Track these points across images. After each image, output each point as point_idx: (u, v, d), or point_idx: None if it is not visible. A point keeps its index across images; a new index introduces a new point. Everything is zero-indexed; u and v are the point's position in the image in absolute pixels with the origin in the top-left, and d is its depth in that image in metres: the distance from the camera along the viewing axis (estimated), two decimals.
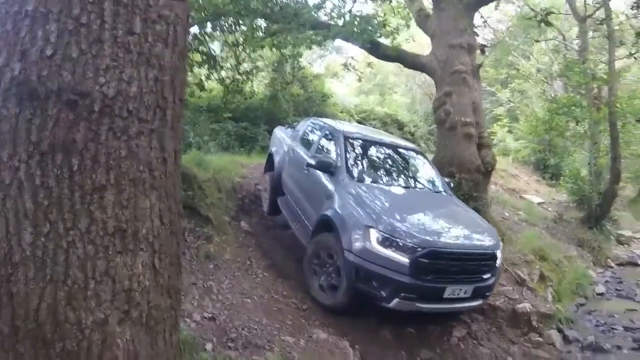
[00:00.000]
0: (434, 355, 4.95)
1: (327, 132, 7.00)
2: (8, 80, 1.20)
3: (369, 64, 12.26)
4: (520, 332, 5.78)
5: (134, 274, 1.41)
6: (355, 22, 9.84)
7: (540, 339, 5.74)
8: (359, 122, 18.38)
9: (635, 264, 10.74)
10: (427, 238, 4.91)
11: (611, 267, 10.51)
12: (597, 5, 11.77)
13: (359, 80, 14.63)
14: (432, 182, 6.83)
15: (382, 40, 10.47)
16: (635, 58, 9.16)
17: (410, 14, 11.12)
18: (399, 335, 5.07)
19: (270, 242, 7.02)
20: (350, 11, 10.68)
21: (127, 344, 1.41)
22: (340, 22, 9.93)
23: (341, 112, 17.76)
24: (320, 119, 8.42)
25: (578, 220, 12.11)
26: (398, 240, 4.80)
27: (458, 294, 4.98)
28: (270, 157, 8.36)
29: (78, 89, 1.24)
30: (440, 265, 4.87)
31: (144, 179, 1.41)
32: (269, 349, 3.54)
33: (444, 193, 6.65)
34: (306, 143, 7.37)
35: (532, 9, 11.04)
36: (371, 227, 4.90)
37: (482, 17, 14.66)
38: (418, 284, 4.74)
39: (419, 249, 4.75)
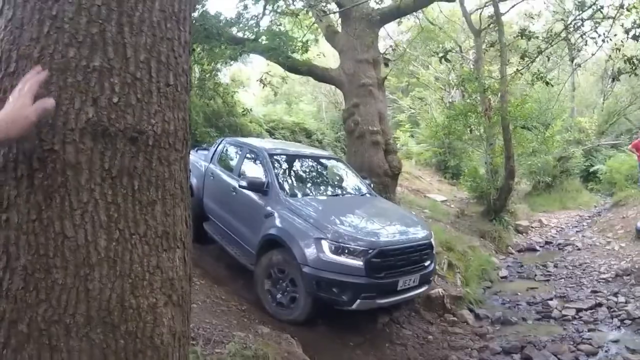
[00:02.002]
0: (364, 340, 5.44)
1: (249, 152, 6.98)
2: (84, 122, 1.55)
3: (284, 79, 12.77)
4: (436, 314, 6.43)
5: (174, 266, 1.80)
6: (268, 38, 10.34)
7: (455, 318, 6.43)
8: (268, 132, 18.69)
9: (533, 249, 11.74)
10: (374, 239, 5.30)
11: (512, 253, 11.42)
12: (491, 21, 12.95)
13: (275, 95, 14.97)
14: (357, 187, 7.20)
15: (295, 55, 11.03)
16: (521, 74, 10.42)
17: (320, 30, 11.79)
18: (332, 326, 5.50)
19: (197, 253, 7.24)
20: (258, 26, 11.10)
21: (169, 321, 1.79)
22: (257, 37, 10.34)
23: (250, 122, 17.92)
24: (235, 138, 8.42)
25: (479, 214, 13.06)
26: (349, 246, 5.12)
27: (408, 284, 5.46)
28: None
29: (137, 128, 1.63)
30: (390, 261, 5.27)
31: (178, 194, 1.82)
32: (227, 342, 3.92)
33: (368, 195, 7.03)
34: (226, 164, 7.32)
35: (434, 52, 12.03)
36: (322, 238, 5.14)
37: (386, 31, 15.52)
38: (375, 282, 5.12)
39: (370, 251, 5.10)
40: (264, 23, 11.71)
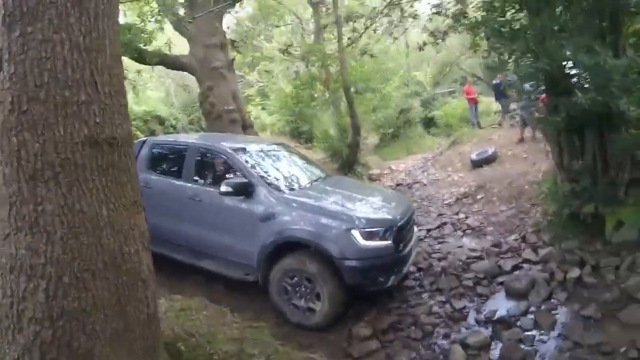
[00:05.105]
0: None
1: (197, 152, 6.15)
2: (82, 136, 2.21)
3: (139, 72, 12.87)
4: None
5: (142, 223, 2.60)
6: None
7: None
8: None
9: None
10: (391, 217, 5.43)
11: None
12: None
13: (134, 88, 14.84)
14: (317, 169, 6.96)
15: (144, 46, 11.33)
16: (352, 47, 11.69)
17: (166, 19, 12.06)
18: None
19: None
20: None
21: (147, 261, 2.64)
22: None
23: None
24: (163, 138, 7.80)
25: (335, 170, 13.60)
26: (374, 229, 5.12)
27: (414, 248, 5.98)
28: None
29: (112, 136, 2.36)
30: (403, 234, 5.52)
31: (135, 175, 2.63)
32: None
33: (330, 175, 7.12)
34: (167, 171, 6.36)
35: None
36: (351, 228, 5.03)
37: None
38: (401, 255, 5.37)
39: (393, 229, 5.24)
40: None
